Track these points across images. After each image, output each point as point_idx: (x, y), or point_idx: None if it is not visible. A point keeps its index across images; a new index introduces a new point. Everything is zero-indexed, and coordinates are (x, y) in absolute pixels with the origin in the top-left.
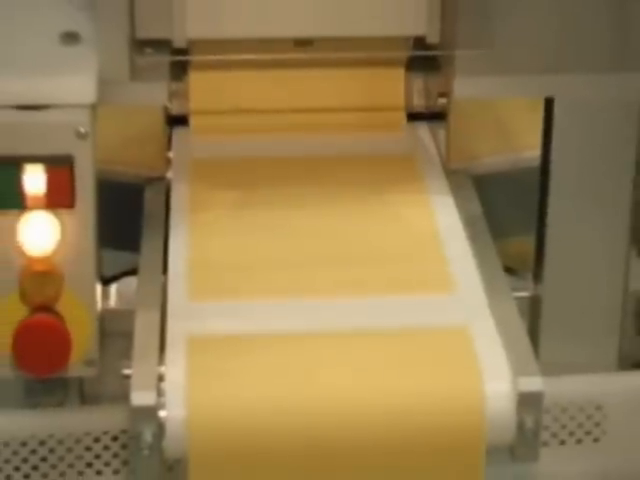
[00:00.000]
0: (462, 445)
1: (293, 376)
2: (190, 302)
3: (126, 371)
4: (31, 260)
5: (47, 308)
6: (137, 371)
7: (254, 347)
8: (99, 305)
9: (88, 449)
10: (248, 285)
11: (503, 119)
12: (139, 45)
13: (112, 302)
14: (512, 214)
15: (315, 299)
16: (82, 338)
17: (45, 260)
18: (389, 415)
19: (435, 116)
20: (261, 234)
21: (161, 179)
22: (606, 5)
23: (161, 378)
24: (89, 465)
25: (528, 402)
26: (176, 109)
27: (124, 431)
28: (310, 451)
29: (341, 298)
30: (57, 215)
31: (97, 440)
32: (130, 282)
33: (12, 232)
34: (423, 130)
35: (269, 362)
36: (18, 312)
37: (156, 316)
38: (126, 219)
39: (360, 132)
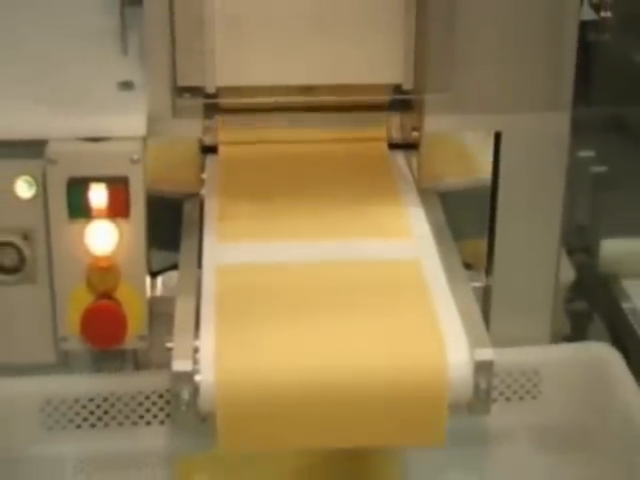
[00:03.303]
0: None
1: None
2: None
3: (169, 344)
4: (96, 258)
5: (108, 295)
6: (177, 344)
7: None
8: (148, 293)
9: (140, 404)
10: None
11: (462, 148)
12: (179, 91)
13: (158, 291)
14: (469, 222)
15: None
16: (135, 319)
17: (106, 258)
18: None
19: (409, 146)
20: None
21: (196, 195)
22: (543, 59)
23: (196, 350)
24: (141, 417)
25: (482, 368)
26: (208, 141)
27: (168, 391)
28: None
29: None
30: (116, 223)
31: (147, 397)
32: (172, 275)
33: (81, 236)
34: (400, 157)
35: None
36: (85, 299)
37: (192, 301)
38: (169, 226)
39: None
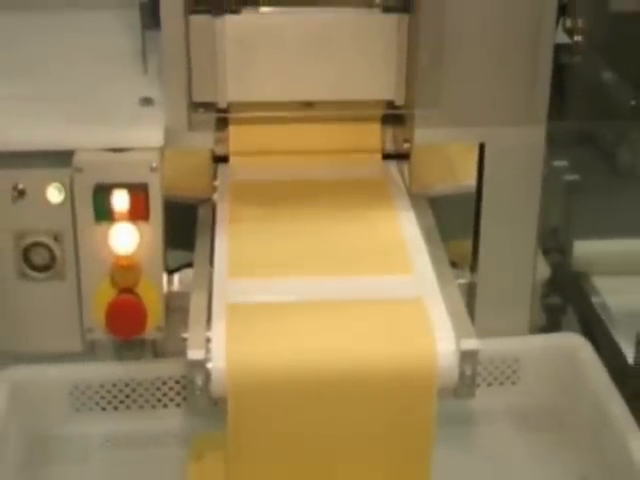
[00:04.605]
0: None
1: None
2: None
3: (184, 335)
4: (118, 257)
5: (129, 291)
6: (191, 335)
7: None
8: (165, 288)
9: (158, 389)
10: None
11: (449, 158)
12: (194, 106)
13: (175, 286)
14: (456, 224)
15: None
16: (154, 312)
17: (128, 257)
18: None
19: (401, 156)
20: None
21: (209, 200)
22: (522, 78)
23: (208, 340)
24: (159, 400)
25: (467, 357)
26: (219, 151)
27: (183, 377)
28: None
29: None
30: (136, 225)
31: (164, 383)
32: (187, 272)
33: (105, 237)
34: (393, 166)
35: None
36: (109, 293)
37: (205, 296)
38: (185, 228)
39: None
